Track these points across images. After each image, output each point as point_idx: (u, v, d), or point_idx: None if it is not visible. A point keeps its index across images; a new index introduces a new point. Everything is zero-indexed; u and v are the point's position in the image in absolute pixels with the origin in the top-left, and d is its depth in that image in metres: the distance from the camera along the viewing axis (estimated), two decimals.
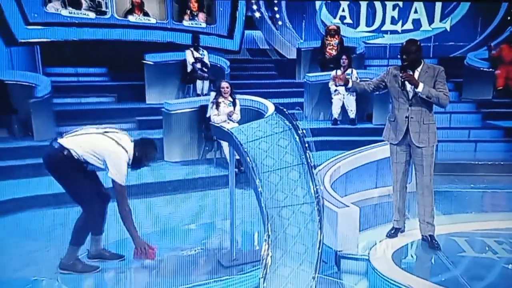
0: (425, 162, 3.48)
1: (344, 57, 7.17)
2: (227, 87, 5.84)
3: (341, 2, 10.30)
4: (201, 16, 8.26)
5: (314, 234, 2.80)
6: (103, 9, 7.41)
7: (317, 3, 10.41)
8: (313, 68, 8.53)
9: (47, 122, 5.77)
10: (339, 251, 3.51)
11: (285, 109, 3.29)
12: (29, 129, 5.80)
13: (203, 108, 6.11)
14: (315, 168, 3.05)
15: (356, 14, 10.36)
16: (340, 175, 4.62)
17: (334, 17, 10.36)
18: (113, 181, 3.14)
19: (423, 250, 3.60)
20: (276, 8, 10.60)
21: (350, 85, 3.72)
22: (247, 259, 3.34)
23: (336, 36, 8.40)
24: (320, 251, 2.72)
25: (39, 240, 3.80)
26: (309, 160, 3.01)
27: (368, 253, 3.45)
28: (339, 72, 7.09)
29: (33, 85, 6.02)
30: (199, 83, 7.26)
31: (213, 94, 6.07)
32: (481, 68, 8.15)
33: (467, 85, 8.11)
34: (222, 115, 5.77)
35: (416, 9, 10.33)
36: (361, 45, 9.06)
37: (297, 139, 3.12)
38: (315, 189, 2.92)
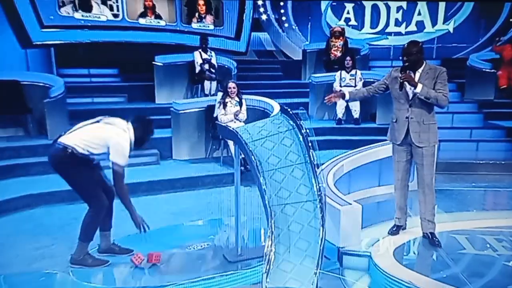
0: (425, 162, 3.52)
1: (348, 58, 7.24)
2: (233, 87, 5.94)
3: (346, 4, 10.37)
4: (209, 18, 8.37)
5: (316, 231, 2.81)
6: (115, 12, 7.58)
7: (323, 6, 10.48)
8: (318, 69, 8.63)
9: (61, 121, 5.89)
10: (342, 247, 3.56)
11: (289, 109, 3.31)
12: (43, 128, 5.94)
13: (211, 108, 6.22)
14: (318, 167, 3.06)
15: (361, 16, 10.42)
16: (344, 173, 4.67)
17: (339, 19, 10.43)
18: (114, 163, 3.19)
19: (424, 247, 3.63)
20: (282, 11, 10.70)
21: (347, 97, 3.79)
22: (252, 254, 3.39)
23: (341, 38, 8.49)
24: (322, 247, 2.74)
25: (53, 234, 3.92)
26: (312, 159, 3.03)
27: (370, 250, 3.51)
28: (343, 74, 7.20)
29: (48, 85, 6.17)
30: (207, 83, 7.38)
31: (220, 94, 6.17)
32: (483, 69, 8.22)
33: (469, 86, 8.20)
34: (229, 114, 5.87)
35: (419, 11, 10.37)
36: (365, 47, 9.13)
37: (301, 138, 3.13)
38: (318, 187, 2.93)
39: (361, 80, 7.14)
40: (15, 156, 5.47)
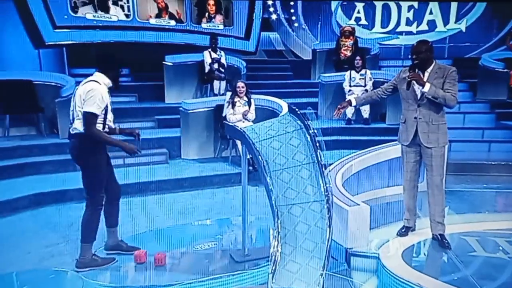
0: (434, 162, 3.49)
1: (358, 58, 7.20)
2: (242, 87, 5.95)
3: (356, 3, 10.30)
4: (218, 18, 8.39)
5: (323, 231, 2.80)
6: (126, 12, 7.66)
7: (333, 5, 10.42)
8: (328, 69, 8.58)
9: None
10: (350, 248, 3.54)
11: (297, 109, 3.31)
12: (55, 127, 6.03)
13: (219, 108, 6.24)
14: (325, 167, 3.05)
15: (372, 16, 10.34)
16: (353, 173, 4.64)
17: (349, 19, 10.35)
18: (86, 112, 3.14)
19: (433, 249, 3.59)
20: (292, 10, 10.66)
21: (354, 103, 3.78)
22: (259, 254, 3.39)
23: (351, 37, 8.44)
24: (328, 248, 2.74)
25: (62, 232, 3.97)
26: (319, 159, 3.02)
27: (379, 251, 3.48)
28: (353, 73, 7.15)
29: (59, 85, 6.24)
30: (216, 83, 7.40)
31: (229, 94, 6.20)
32: (496, 69, 8.08)
33: (481, 86, 8.07)
34: (237, 114, 5.89)
35: (431, 10, 10.24)
36: (375, 46, 9.06)
37: (309, 138, 3.12)
38: (325, 187, 2.92)
39: (371, 79, 7.10)
40: (27, 154, 5.55)
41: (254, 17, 8.57)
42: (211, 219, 4.42)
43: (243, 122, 5.72)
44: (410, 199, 3.73)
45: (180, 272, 3.30)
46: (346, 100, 3.87)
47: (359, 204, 3.65)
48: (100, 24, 7.37)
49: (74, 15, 7.18)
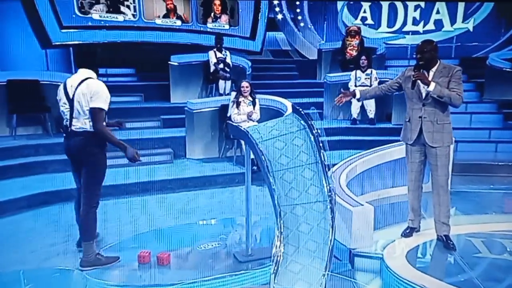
0: (439, 162, 3.46)
1: (363, 57, 7.17)
2: (246, 87, 5.96)
3: (362, 3, 10.25)
4: (224, 18, 8.41)
5: (326, 232, 2.80)
6: (132, 12, 7.71)
7: (339, 5, 10.39)
8: (333, 69, 8.58)
9: None
10: (353, 249, 3.52)
11: (300, 109, 3.29)
12: (61, 126, 6.08)
13: (224, 107, 6.25)
14: (329, 168, 3.05)
15: (378, 15, 10.29)
16: (357, 174, 4.62)
17: (356, 18, 10.32)
18: (97, 109, 3.19)
19: (438, 250, 3.56)
20: (298, 10, 10.65)
21: (358, 96, 3.78)
22: (263, 254, 3.38)
23: (357, 37, 8.42)
24: (331, 249, 2.73)
25: (67, 231, 3.94)
26: (323, 159, 3.01)
27: (383, 252, 3.45)
28: (359, 73, 7.13)
29: None
30: (221, 83, 7.42)
31: (233, 93, 6.21)
32: (504, 68, 7.98)
33: (488, 86, 7.99)
34: (242, 114, 5.89)
35: (438, 9, 10.16)
36: (382, 46, 9.03)
37: (312, 139, 3.11)
38: (328, 187, 2.92)
39: (376, 79, 7.06)
40: (34, 154, 5.60)
41: (259, 17, 8.58)
42: (216, 219, 4.43)
43: (248, 122, 5.73)
44: (415, 199, 3.71)
45: (183, 271, 3.30)
46: (351, 91, 3.85)
47: (363, 205, 3.64)
48: (107, 24, 7.42)
49: (81, 15, 7.25)
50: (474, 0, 10.05)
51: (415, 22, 10.28)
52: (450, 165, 3.75)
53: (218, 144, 6.42)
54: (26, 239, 3.90)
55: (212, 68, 7.46)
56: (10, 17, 6.99)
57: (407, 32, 10.32)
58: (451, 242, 3.55)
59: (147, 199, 4.75)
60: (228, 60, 7.52)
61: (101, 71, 8.08)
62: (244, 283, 3.19)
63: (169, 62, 7.61)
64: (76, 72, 3.41)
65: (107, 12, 7.45)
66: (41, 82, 6.25)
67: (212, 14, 8.34)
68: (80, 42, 7.29)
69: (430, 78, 3.38)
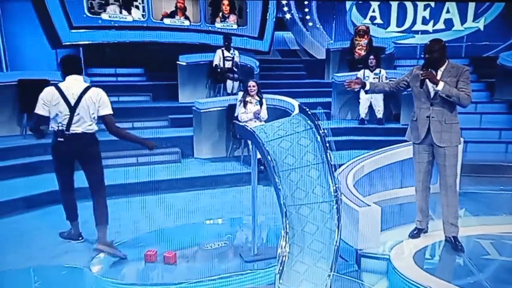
0: (447, 163, 3.43)
1: (371, 57, 7.11)
2: (253, 86, 5.96)
3: (371, 2, 10.19)
4: (232, 18, 8.41)
5: (332, 232, 2.79)
6: (141, 12, 7.77)
7: (347, 4, 10.35)
8: (342, 68, 8.54)
9: None
10: (360, 250, 3.51)
11: (307, 109, 3.28)
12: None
13: (232, 107, 6.26)
14: (335, 168, 3.04)
15: (387, 15, 10.22)
16: (365, 174, 4.60)
17: (364, 18, 10.26)
18: (109, 115, 3.55)
19: (445, 252, 3.53)
20: (306, 10, 10.63)
21: (367, 87, 3.73)
22: (269, 254, 3.38)
23: (365, 36, 8.37)
24: (336, 249, 2.73)
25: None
26: (329, 159, 3.00)
27: (389, 253, 3.44)
28: (367, 73, 7.09)
29: None
30: (229, 82, 7.43)
31: (241, 93, 6.22)
32: None
33: (499, 85, 7.86)
34: (249, 113, 5.90)
35: (448, 8, 10.05)
36: (390, 45, 8.96)
37: (318, 139, 3.11)
38: (334, 188, 2.91)
39: (386, 79, 7.01)
40: (43, 153, 5.64)
41: (268, 17, 8.56)
42: (222, 218, 4.44)
43: (255, 121, 5.73)
44: (423, 200, 3.68)
45: (189, 270, 3.32)
46: (363, 81, 3.83)
47: (370, 205, 3.62)
48: (116, 25, 7.48)
49: (91, 15, 7.31)
50: (484, 0, 9.93)
51: (424, 21, 10.19)
52: (458, 165, 3.71)
53: (226, 144, 6.43)
54: (35, 237, 3.96)
55: (219, 67, 7.42)
56: (21, 17, 7.08)
57: (417, 32, 10.23)
58: (460, 244, 3.52)
59: (154, 199, 4.76)
60: (236, 59, 7.53)
61: (110, 71, 8.26)
62: (250, 283, 3.19)
63: (178, 62, 7.64)
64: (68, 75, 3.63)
65: (120, 13, 7.52)
66: (51, 82, 6.30)
67: (221, 14, 8.35)
68: (90, 42, 7.37)
69: (438, 78, 3.35)
